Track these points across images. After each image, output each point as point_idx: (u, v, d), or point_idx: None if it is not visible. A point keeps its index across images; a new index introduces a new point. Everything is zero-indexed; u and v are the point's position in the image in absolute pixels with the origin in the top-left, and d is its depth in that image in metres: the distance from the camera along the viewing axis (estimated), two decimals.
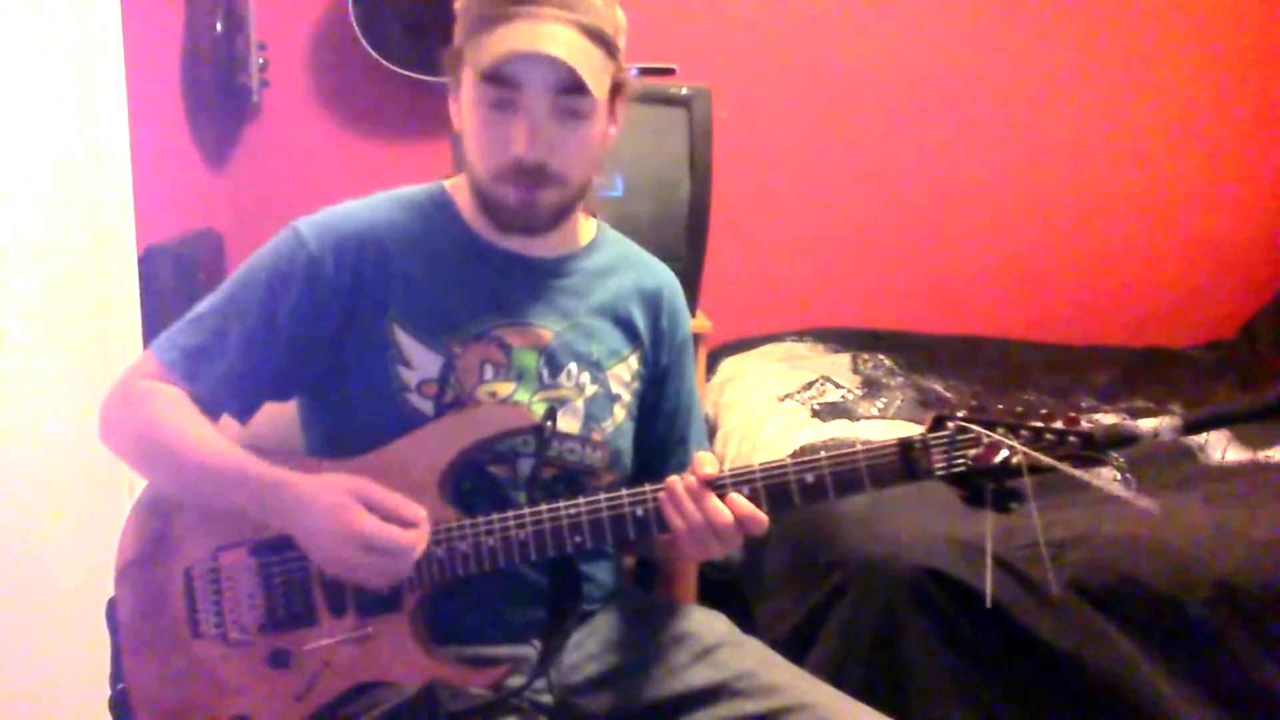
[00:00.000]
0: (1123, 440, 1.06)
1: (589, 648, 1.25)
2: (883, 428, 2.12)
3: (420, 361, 1.19)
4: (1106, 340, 3.14)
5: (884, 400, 2.37)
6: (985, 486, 1.07)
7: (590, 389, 1.25)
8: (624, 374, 1.28)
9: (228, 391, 1.19)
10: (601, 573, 1.29)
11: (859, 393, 2.43)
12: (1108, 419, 2.09)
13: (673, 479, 1.12)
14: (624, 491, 1.13)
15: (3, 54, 1.64)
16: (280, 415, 1.27)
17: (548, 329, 1.23)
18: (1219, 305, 3.26)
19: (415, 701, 1.09)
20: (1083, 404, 2.49)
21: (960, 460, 1.08)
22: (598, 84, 1.12)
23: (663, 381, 1.34)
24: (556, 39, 1.10)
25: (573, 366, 1.24)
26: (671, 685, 1.22)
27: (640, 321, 1.31)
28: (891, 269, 3.21)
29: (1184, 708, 1.59)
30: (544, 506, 1.13)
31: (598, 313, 1.27)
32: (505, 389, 1.20)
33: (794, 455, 1.13)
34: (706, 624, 1.29)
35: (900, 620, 1.61)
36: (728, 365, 2.80)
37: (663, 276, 1.35)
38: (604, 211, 1.36)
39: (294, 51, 2.96)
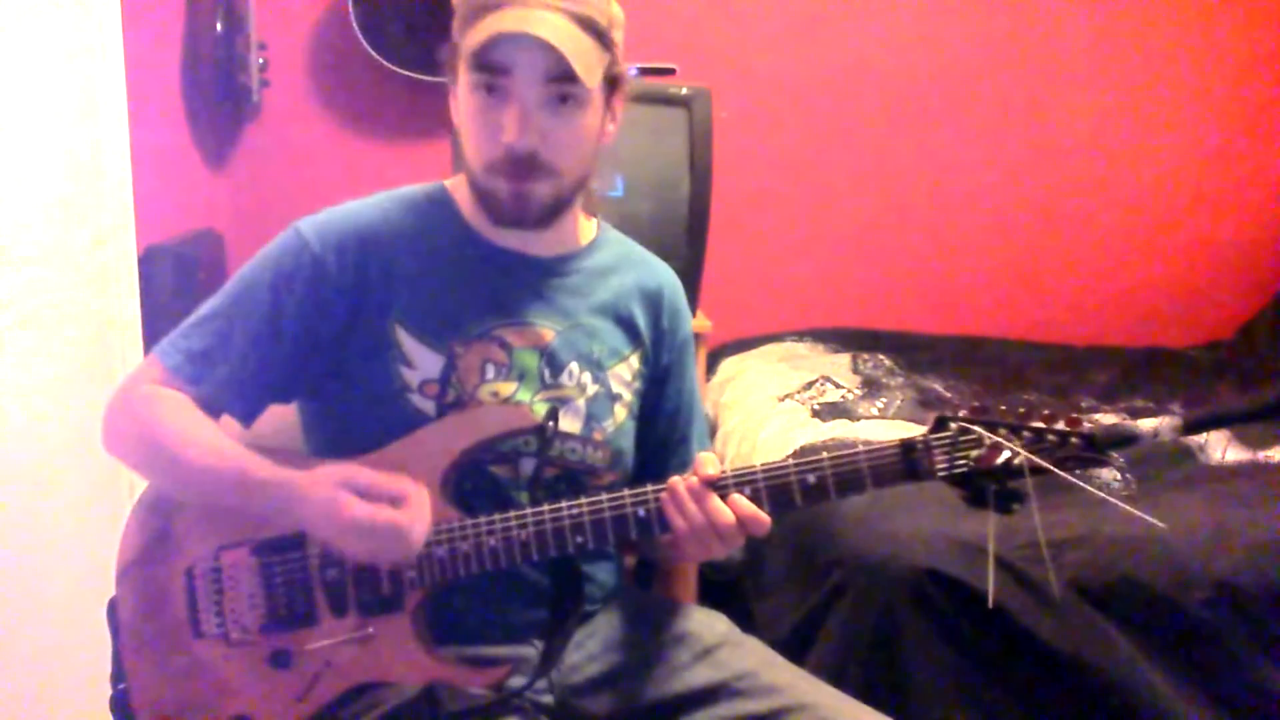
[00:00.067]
0: (1123, 440, 1.06)
1: (590, 648, 1.25)
2: (883, 428, 2.12)
3: (422, 361, 1.19)
4: (1106, 340, 3.14)
5: (884, 400, 2.37)
6: (987, 487, 1.07)
7: (591, 388, 1.25)
8: (625, 373, 1.29)
9: (232, 394, 1.18)
10: (602, 573, 1.29)
11: (859, 393, 2.43)
12: (1108, 419, 2.09)
13: (675, 479, 1.12)
14: (626, 492, 1.13)
15: (3, 54, 1.64)
16: (281, 417, 1.26)
17: (549, 329, 1.23)
18: (1219, 305, 3.26)
19: (416, 702, 1.09)
20: (1083, 404, 2.49)
21: (962, 461, 1.08)
22: (587, 71, 1.12)
23: (664, 381, 1.34)
24: (545, 23, 1.11)
25: (574, 366, 1.24)
26: (672, 685, 1.22)
27: (641, 321, 1.31)
28: (891, 269, 3.21)
29: (1184, 708, 1.59)
30: (546, 507, 1.13)
31: (599, 312, 1.27)
32: (507, 389, 1.20)
33: (795, 455, 1.13)
34: (707, 624, 1.29)
35: (900, 620, 1.61)
36: (728, 365, 2.80)
37: (664, 276, 1.35)
38: (604, 211, 1.36)
39: (294, 51, 2.96)
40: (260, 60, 2.74)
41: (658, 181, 2.31)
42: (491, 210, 1.19)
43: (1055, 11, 3.12)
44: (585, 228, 1.31)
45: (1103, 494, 1.04)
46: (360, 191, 1.27)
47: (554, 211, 1.20)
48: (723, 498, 1.10)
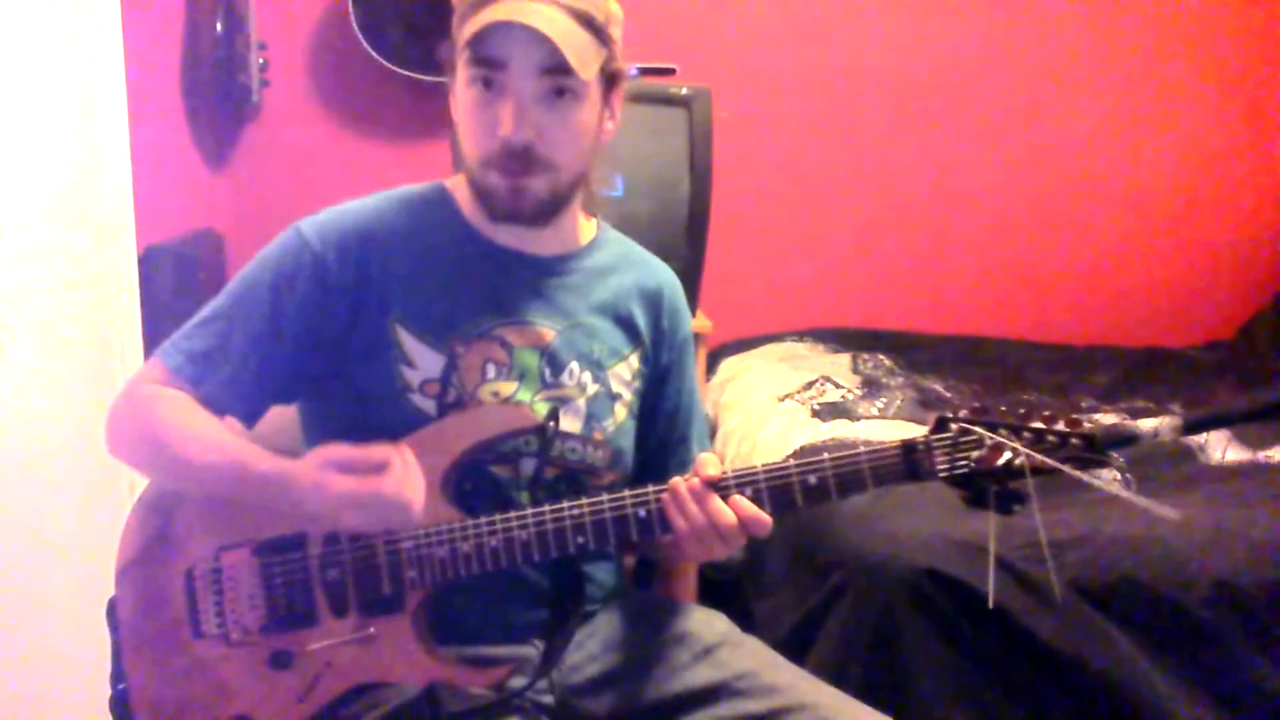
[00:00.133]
0: (1123, 440, 1.06)
1: (590, 648, 1.25)
2: (883, 428, 2.12)
3: (423, 361, 1.19)
4: (1106, 340, 3.14)
5: (884, 400, 2.37)
6: (988, 488, 1.07)
7: (592, 388, 1.25)
8: (625, 373, 1.29)
9: (234, 395, 1.18)
10: (602, 573, 1.29)
11: (859, 393, 2.43)
12: (1108, 419, 2.10)
13: (676, 480, 1.12)
14: (627, 492, 1.13)
15: (3, 54, 1.64)
16: (281, 416, 1.26)
17: (549, 328, 1.23)
18: (1218, 305, 3.26)
19: (417, 702, 1.09)
20: (1083, 404, 2.50)
21: (963, 462, 1.08)
22: (582, 63, 1.12)
23: (663, 381, 1.34)
24: (539, 15, 1.11)
25: (574, 365, 1.24)
26: (672, 685, 1.22)
27: (641, 321, 1.31)
28: (891, 269, 3.21)
29: (1184, 708, 1.59)
30: (547, 507, 1.13)
31: (599, 312, 1.28)
32: (507, 388, 1.20)
33: (795, 455, 1.13)
34: (707, 623, 1.29)
35: (900, 620, 1.61)
36: (728, 365, 2.80)
37: (663, 276, 1.35)
38: (604, 211, 1.36)
39: (294, 51, 2.96)
40: (260, 60, 2.74)
41: (658, 181, 2.31)
42: (489, 205, 1.19)
43: (1055, 12, 3.12)
44: (585, 227, 1.31)
45: (1115, 487, 1.03)
46: (360, 191, 1.27)
47: (551, 207, 1.20)
48: (724, 498, 1.10)
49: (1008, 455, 1.06)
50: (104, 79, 1.92)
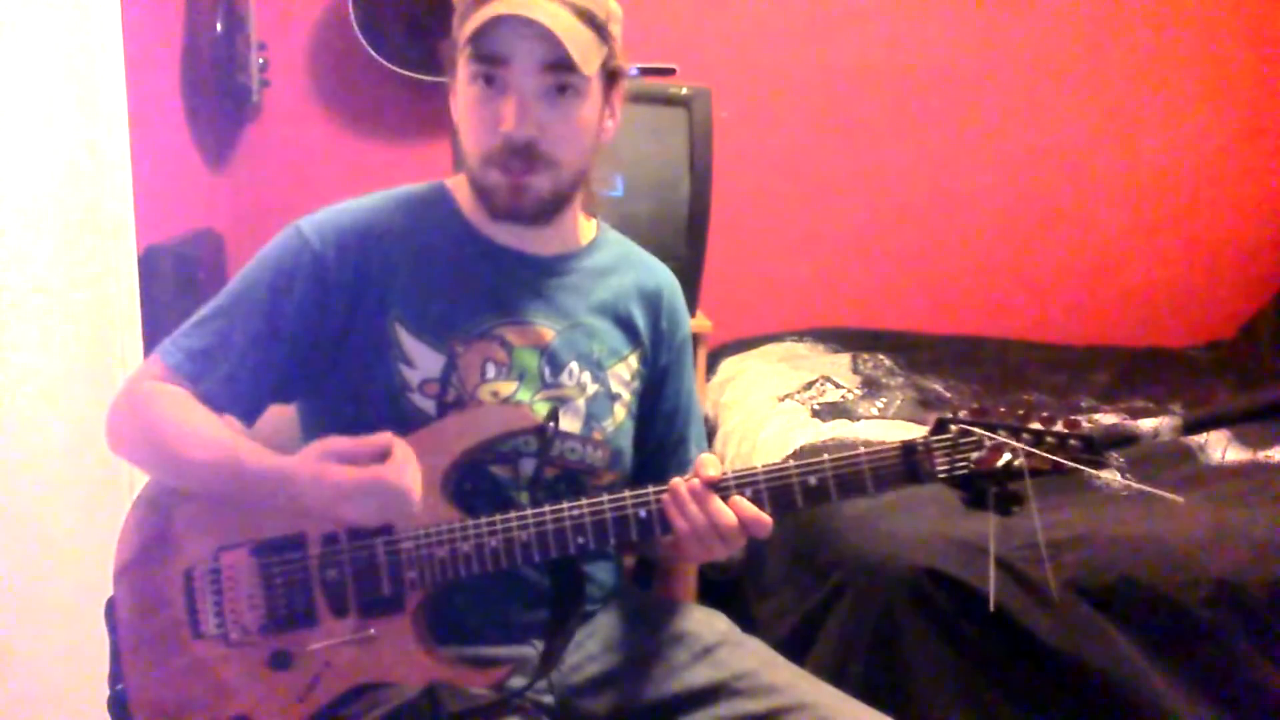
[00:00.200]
0: (1123, 440, 1.06)
1: (589, 648, 1.25)
2: (883, 428, 2.12)
3: (422, 360, 1.19)
4: (1106, 340, 3.14)
5: (884, 400, 2.37)
6: (987, 490, 1.07)
7: (591, 388, 1.25)
8: (624, 373, 1.29)
9: (233, 393, 1.18)
10: (602, 573, 1.29)
11: (859, 393, 2.43)
12: (1108, 419, 2.10)
13: (676, 480, 1.12)
14: (627, 493, 1.13)
15: (2, 54, 1.64)
16: (281, 416, 1.26)
17: (549, 328, 1.23)
18: (1219, 305, 3.26)
19: (417, 702, 1.09)
20: (1083, 404, 2.50)
21: (963, 463, 1.08)
22: (584, 58, 1.12)
23: (662, 382, 1.34)
24: (543, 9, 1.11)
25: (574, 365, 1.24)
26: (672, 685, 1.22)
27: (640, 321, 1.31)
28: (891, 269, 3.21)
29: (1184, 708, 1.59)
30: (547, 507, 1.13)
31: (598, 312, 1.28)
32: (507, 388, 1.21)
33: (795, 455, 1.13)
34: (706, 623, 1.29)
35: (899, 620, 1.61)
36: (728, 365, 2.80)
37: (663, 277, 1.35)
38: (604, 211, 1.36)
39: (294, 51, 2.96)
40: (260, 60, 2.74)
41: (658, 181, 2.32)
42: (489, 204, 1.19)
43: (1055, 12, 3.12)
44: (585, 227, 1.31)
45: (1117, 482, 1.04)
46: (360, 191, 1.27)
47: (553, 205, 1.20)
48: (724, 499, 1.10)
49: (1007, 456, 1.06)
50: (104, 79, 1.92)
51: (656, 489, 1.13)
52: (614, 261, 1.31)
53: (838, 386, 2.46)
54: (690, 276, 2.25)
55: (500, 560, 1.13)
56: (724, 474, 1.12)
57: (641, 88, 2.27)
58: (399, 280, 1.20)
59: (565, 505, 1.13)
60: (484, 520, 1.13)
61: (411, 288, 1.20)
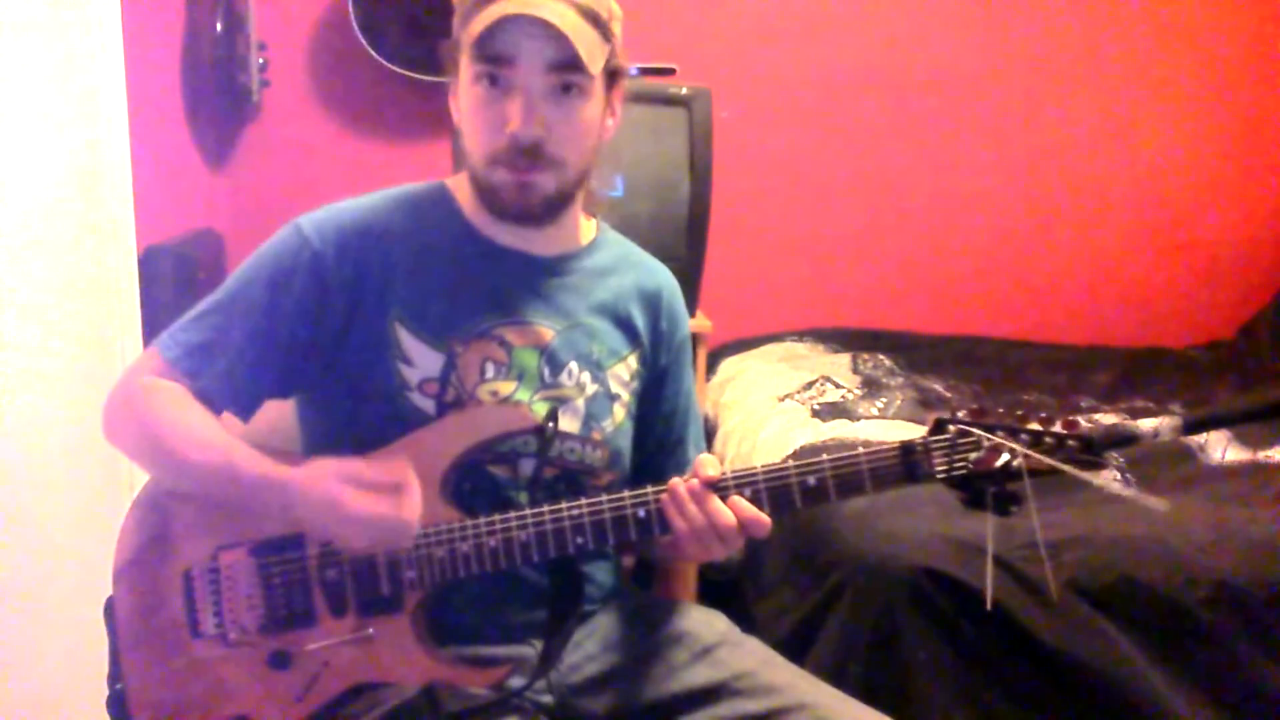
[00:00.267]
0: (1123, 440, 1.06)
1: (589, 648, 1.25)
2: (883, 428, 2.12)
3: (421, 360, 1.19)
4: (1106, 340, 3.14)
5: (884, 400, 2.37)
6: (986, 490, 1.07)
7: (591, 388, 1.25)
8: (623, 374, 1.29)
9: (230, 388, 1.18)
10: (601, 573, 1.29)
11: (859, 393, 2.43)
12: (1108, 419, 2.10)
13: (675, 480, 1.12)
14: (626, 493, 1.13)
15: (2, 54, 1.64)
16: (279, 415, 1.26)
17: (548, 328, 1.23)
18: (1219, 305, 3.26)
19: (416, 702, 1.09)
20: (1083, 404, 2.49)
21: (961, 464, 1.08)
22: (590, 57, 1.12)
23: (661, 382, 1.34)
24: (549, 9, 1.11)
25: (573, 366, 1.24)
26: (671, 685, 1.22)
27: (640, 322, 1.31)
28: (891, 269, 3.21)
29: (1184, 708, 1.59)
30: (546, 507, 1.13)
31: (598, 312, 1.28)
32: (506, 388, 1.21)
33: (795, 456, 1.13)
34: (706, 623, 1.29)
35: (899, 620, 1.61)
36: (728, 365, 2.80)
37: (662, 278, 1.35)
38: (604, 211, 1.36)
39: (294, 51, 2.96)
40: (260, 60, 2.74)
41: (658, 181, 2.32)
42: (494, 204, 1.19)
43: (1054, 12, 3.12)
44: (585, 228, 1.31)
45: (1114, 486, 1.03)
46: (360, 191, 1.27)
47: (556, 205, 1.20)
48: (723, 499, 1.10)
49: (1005, 457, 1.06)
50: (104, 79, 1.92)
51: (655, 489, 1.13)
52: (614, 262, 1.31)
53: (838, 386, 2.46)
54: (690, 276, 2.25)
55: (499, 560, 1.13)
56: (723, 474, 1.12)
57: (641, 88, 2.27)
58: (399, 279, 1.20)
59: (564, 505, 1.13)
60: (483, 520, 1.13)
61: (411, 287, 1.20)
